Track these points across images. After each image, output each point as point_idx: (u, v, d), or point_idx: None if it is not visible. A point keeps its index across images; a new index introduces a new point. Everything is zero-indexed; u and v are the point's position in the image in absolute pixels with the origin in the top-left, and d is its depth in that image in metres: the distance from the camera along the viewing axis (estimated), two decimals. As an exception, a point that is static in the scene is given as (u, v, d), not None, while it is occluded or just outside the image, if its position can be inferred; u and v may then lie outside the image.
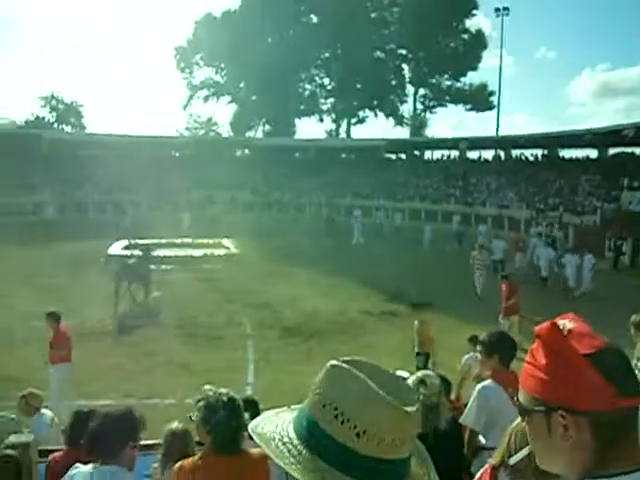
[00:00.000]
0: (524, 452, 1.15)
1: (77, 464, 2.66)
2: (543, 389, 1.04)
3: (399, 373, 3.60)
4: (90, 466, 2.57)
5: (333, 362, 0.99)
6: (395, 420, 0.92)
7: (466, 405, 4.35)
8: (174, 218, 31.08)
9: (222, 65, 58.43)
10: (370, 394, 0.92)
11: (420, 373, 3.27)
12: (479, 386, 3.58)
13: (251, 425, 1.07)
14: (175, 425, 3.27)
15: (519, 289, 12.22)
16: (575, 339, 1.03)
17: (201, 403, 2.68)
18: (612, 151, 37.63)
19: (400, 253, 22.09)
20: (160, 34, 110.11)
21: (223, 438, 2.62)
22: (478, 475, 2.31)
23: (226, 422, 2.61)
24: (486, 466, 2.27)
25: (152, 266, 15.67)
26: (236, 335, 12.27)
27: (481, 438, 3.50)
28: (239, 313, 14.10)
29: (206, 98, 60.26)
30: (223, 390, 2.75)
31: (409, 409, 0.94)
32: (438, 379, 3.30)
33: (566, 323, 1.07)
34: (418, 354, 8.56)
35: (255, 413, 4.09)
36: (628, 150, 36.46)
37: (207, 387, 2.78)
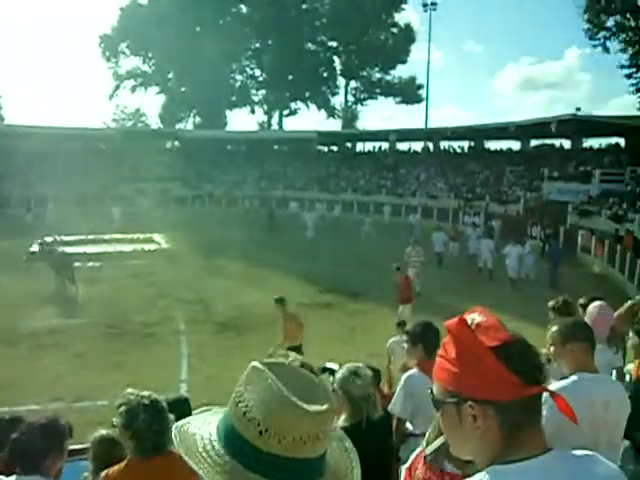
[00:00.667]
0: (440, 441, 1.21)
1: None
2: (453, 381, 1.09)
3: (328, 365, 3.65)
4: (13, 478, 2.49)
5: (253, 363, 1.02)
6: (295, 419, 0.94)
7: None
8: (102, 213, 30.07)
9: (150, 54, 56.75)
10: (274, 393, 0.95)
11: (352, 365, 3.31)
12: (405, 375, 3.68)
13: (175, 427, 1.08)
14: (101, 432, 3.14)
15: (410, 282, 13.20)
16: (482, 332, 1.08)
17: (122, 408, 2.62)
18: (534, 143, 39.37)
19: (339, 245, 22.26)
20: (84, 21, 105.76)
21: (145, 443, 2.57)
22: (411, 459, 2.40)
23: (147, 426, 2.56)
24: (418, 450, 2.36)
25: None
26: (169, 331, 12.07)
27: (409, 425, 3.60)
28: (171, 309, 13.86)
29: (133, 88, 58.42)
30: (145, 393, 2.69)
31: (313, 409, 0.95)
32: (370, 370, 3.37)
33: (475, 317, 1.12)
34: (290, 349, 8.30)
35: (187, 412, 4.05)
36: (549, 142, 38.27)
37: (129, 390, 2.73)
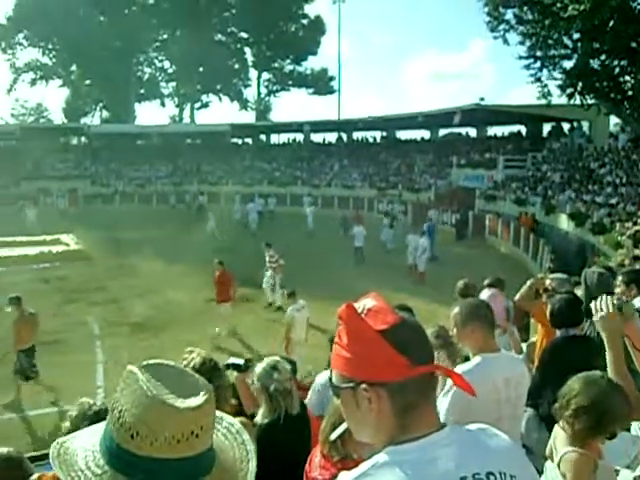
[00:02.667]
0: (342, 427, 1.24)
1: None
2: (347, 367, 1.13)
3: (232, 360, 3.61)
4: None
5: (129, 366, 1.01)
6: (165, 418, 0.92)
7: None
8: (2, 214, 28.32)
9: (50, 46, 53.74)
10: (142, 394, 0.93)
11: (271, 359, 3.31)
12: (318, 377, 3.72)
13: (55, 443, 1.04)
14: (3, 451, 2.68)
15: (233, 278, 12.10)
16: (372, 317, 1.11)
17: (71, 414, 2.47)
18: (442, 132, 40.78)
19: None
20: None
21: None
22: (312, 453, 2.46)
23: None
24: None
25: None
26: (82, 336, 11.59)
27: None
28: (83, 312, 13.31)
29: (33, 81, 55.11)
30: (92, 402, 2.53)
31: (183, 405, 0.94)
32: (288, 364, 3.37)
33: (367, 302, 1.16)
34: None
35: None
36: (456, 131, 39.76)
37: (83, 399, 2.56)
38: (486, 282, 6.46)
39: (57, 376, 8.91)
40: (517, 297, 5.22)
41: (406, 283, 15.58)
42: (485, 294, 6.09)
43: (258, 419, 3.12)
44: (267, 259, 14.66)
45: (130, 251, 20.07)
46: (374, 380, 1.09)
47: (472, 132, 38.60)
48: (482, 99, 31.56)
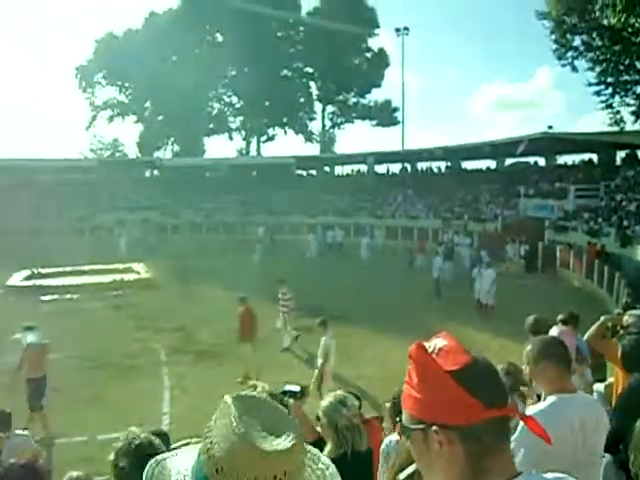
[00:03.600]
0: (411, 468, 1.19)
1: None
2: (418, 407, 1.08)
3: (288, 387, 3.56)
4: None
5: (225, 397, 1.00)
6: (250, 459, 0.91)
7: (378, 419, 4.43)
8: (81, 244, 29.77)
9: (126, 84, 56.91)
10: (232, 430, 0.92)
11: (340, 393, 3.26)
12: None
13: (154, 460, 1.06)
14: (72, 474, 2.89)
15: (255, 317, 11.37)
16: (443, 357, 1.07)
17: (116, 445, 2.53)
18: (509, 161, 40.00)
19: (326, 269, 22.21)
20: (59, 54, 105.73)
21: None
22: None
23: (132, 470, 2.41)
24: None
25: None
26: (149, 363, 11.88)
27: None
28: (152, 340, 13.67)
29: (110, 118, 58.36)
30: (139, 433, 2.56)
31: (271, 448, 0.92)
32: (357, 400, 3.31)
33: (438, 341, 1.11)
34: None
35: (166, 445, 3.95)
36: (523, 160, 38.92)
37: (132, 429, 2.60)
38: (559, 317, 6.17)
39: (126, 400, 9.15)
40: (587, 336, 4.92)
41: (472, 316, 15.17)
42: (555, 331, 5.80)
43: (324, 454, 3.06)
44: (280, 297, 13.65)
45: (197, 280, 20.57)
46: (445, 423, 1.04)
47: (541, 161, 37.68)
48: (550, 127, 30.88)
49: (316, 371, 9.01)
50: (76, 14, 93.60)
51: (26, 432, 5.84)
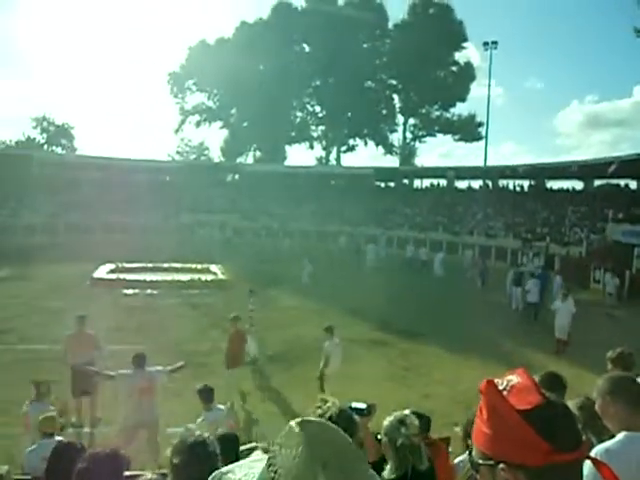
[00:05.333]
0: None
1: None
2: (487, 444, 1.08)
3: (355, 405, 3.57)
4: None
5: (291, 422, 0.99)
6: None
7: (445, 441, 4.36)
8: (163, 242, 31.02)
9: (214, 91, 59.03)
10: (300, 464, 0.91)
11: (400, 413, 3.25)
12: None
13: (215, 474, 1.10)
14: (146, 476, 2.95)
15: (245, 339, 10.61)
16: (515, 395, 1.06)
17: (174, 442, 2.66)
18: (597, 182, 38.23)
19: (399, 281, 22.04)
20: (153, 59, 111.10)
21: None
22: None
23: (184, 467, 2.53)
24: None
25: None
26: (220, 362, 12.16)
27: None
28: (223, 339, 13.99)
29: (198, 123, 60.72)
30: (197, 432, 2.69)
31: None
32: (417, 419, 3.29)
33: (512, 378, 1.11)
34: None
35: (234, 448, 4.06)
36: (613, 182, 37.09)
37: (190, 426, 2.73)
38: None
39: (194, 398, 9.40)
40: None
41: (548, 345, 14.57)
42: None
43: (385, 474, 3.07)
44: (249, 307, 13.08)
45: (271, 284, 20.92)
46: (513, 462, 1.03)
47: (632, 184, 35.73)
48: (646, 150, 29.26)
49: (317, 373, 9.46)
50: (171, 21, 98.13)
51: (225, 406, 6.80)
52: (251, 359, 11.48)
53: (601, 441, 2.86)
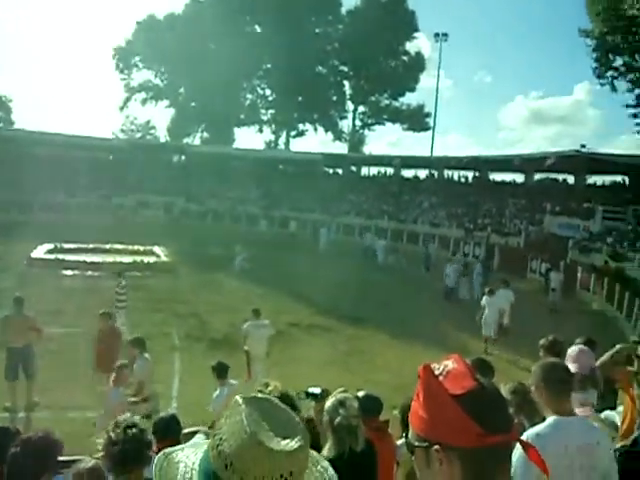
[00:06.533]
0: None
1: None
2: (422, 426, 1.13)
3: (311, 390, 3.63)
4: None
5: (236, 397, 1.06)
6: (258, 458, 0.95)
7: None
8: (102, 222, 30.20)
9: (162, 69, 57.46)
10: (242, 429, 0.97)
11: (340, 395, 3.31)
12: None
13: (163, 453, 1.11)
14: (80, 465, 2.97)
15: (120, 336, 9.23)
16: (450, 380, 1.11)
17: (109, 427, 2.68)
18: (537, 176, 39.55)
19: (339, 268, 22.14)
20: (99, 33, 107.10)
21: (118, 466, 2.64)
22: None
23: (116, 449, 2.62)
24: None
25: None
26: (164, 346, 12.01)
27: None
28: (167, 323, 13.83)
29: (144, 101, 59.01)
30: (128, 415, 2.75)
31: (278, 447, 0.96)
32: (357, 401, 3.36)
33: (448, 364, 1.15)
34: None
35: (176, 430, 4.04)
36: (552, 176, 38.46)
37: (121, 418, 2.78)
38: (578, 341, 6.12)
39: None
40: (600, 362, 4.93)
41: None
42: (574, 350, 5.76)
43: (324, 453, 3.12)
44: (116, 290, 12.44)
45: (215, 268, 20.74)
46: (446, 443, 1.08)
47: (570, 179, 37.19)
48: (583, 146, 30.44)
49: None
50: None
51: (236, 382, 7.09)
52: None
53: (533, 424, 3.01)
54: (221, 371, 6.94)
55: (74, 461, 3.32)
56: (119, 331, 9.39)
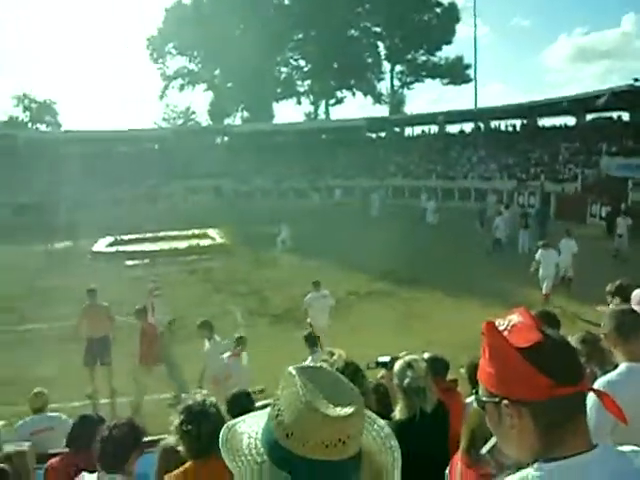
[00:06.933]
0: (492, 441, 1.24)
1: (83, 473, 2.85)
2: (490, 382, 1.13)
3: (381, 359, 3.66)
4: (95, 476, 2.75)
5: (289, 368, 1.08)
6: (316, 424, 0.98)
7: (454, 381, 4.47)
8: (153, 210, 30.94)
9: (195, 53, 57.83)
10: (298, 399, 1.01)
11: (408, 357, 3.33)
12: None
13: (225, 426, 1.15)
14: (166, 442, 3.22)
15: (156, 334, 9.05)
16: (515, 334, 1.10)
17: (179, 410, 2.77)
18: (589, 117, 37.89)
19: (393, 232, 21.95)
20: (131, 25, 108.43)
21: (194, 445, 2.70)
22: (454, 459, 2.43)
23: (197, 431, 2.66)
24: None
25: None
26: (227, 325, 12.30)
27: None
28: (228, 302, 14.15)
29: (181, 87, 59.70)
30: (199, 398, 2.81)
31: (335, 413, 0.99)
32: (424, 362, 3.37)
33: (513, 318, 1.14)
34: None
35: (249, 404, 4.17)
36: (605, 115, 36.72)
37: (194, 393, 2.86)
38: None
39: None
40: None
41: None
42: (638, 293, 5.57)
43: (395, 415, 3.17)
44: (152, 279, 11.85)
45: (268, 245, 20.98)
46: (515, 397, 1.08)
47: (625, 116, 35.42)
48: (637, 80, 28.86)
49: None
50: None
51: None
52: (167, 324, 9.90)
53: (605, 372, 2.95)
54: (312, 340, 7.56)
55: (157, 440, 3.51)
56: (155, 327, 9.24)
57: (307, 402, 1.00)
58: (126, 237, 23.64)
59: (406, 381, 3.09)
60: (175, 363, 8.98)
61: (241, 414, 1.22)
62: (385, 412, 3.18)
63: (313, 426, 0.98)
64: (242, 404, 4.02)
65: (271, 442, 1.03)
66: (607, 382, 2.59)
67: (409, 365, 3.18)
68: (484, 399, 1.15)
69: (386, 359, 3.59)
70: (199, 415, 2.70)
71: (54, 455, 3.97)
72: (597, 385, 2.76)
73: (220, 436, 1.12)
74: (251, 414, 1.19)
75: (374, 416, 1.19)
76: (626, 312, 2.91)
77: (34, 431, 5.05)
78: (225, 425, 1.15)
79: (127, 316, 10.82)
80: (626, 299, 4.51)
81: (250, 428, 1.12)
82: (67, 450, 3.80)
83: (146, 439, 3.48)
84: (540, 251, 13.07)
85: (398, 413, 3.15)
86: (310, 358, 7.14)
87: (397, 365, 3.24)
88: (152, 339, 8.76)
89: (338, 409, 1.00)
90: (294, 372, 1.05)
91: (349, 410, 1.00)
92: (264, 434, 1.06)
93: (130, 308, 10.92)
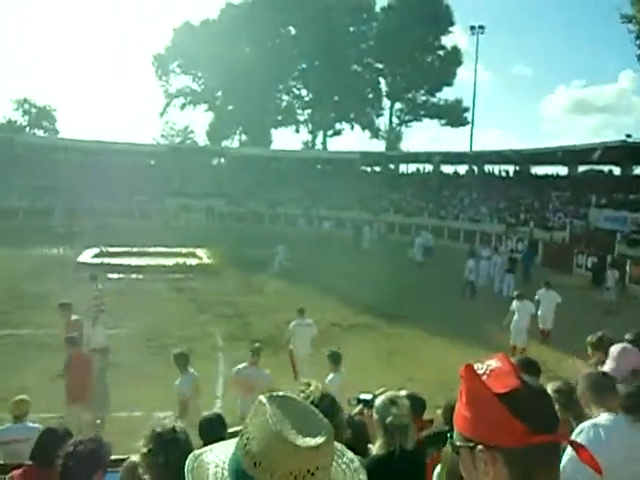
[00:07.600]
0: None
1: None
2: (466, 426, 1.12)
3: (362, 396, 3.65)
4: None
5: (259, 397, 1.08)
6: (285, 454, 0.97)
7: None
8: (146, 226, 30.81)
9: (199, 74, 58.36)
10: (268, 428, 0.99)
11: (390, 393, 3.31)
12: None
13: (192, 455, 1.13)
14: (130, 461, 3.00)
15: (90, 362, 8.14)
16: (493, 379, 1.09)
17: (149, 435, 2.62)
18: (582, 168, 38.48)
19: (381, 267, 22.00)
20: (138, 41, 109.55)
21: (162, 475, 2.52)
22: None
23: (153, 456, 2.53)
24: None
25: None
26: (207, 347, 12.20)
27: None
28: (210, 324, 14.04)
29: (183, 106, 60.03)
30: (170, 424, 2.65)
31: (304, 444, 0.98)
32: (408, 400, 3.35)
33: (492, 363, 1.14)
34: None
35: (222, 429, 4.10)
36: (597, 168, 37.33)
37: (158, 415, 2.78)
38: (627, 337, 5.92)
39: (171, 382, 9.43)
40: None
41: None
42: (616, 348, 5.57)
43: (374, 450, 3.14)
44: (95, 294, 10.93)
45: (256, 269, 20.92)
46: (490, 443, 1.07)
47: (616, 170, 36.04)
48: (629, 136, 29.47)
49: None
50: (156, 2, 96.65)
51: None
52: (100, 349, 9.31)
53: (580, 423, 2.96)
54: (336, 358, 7.51)
55: (122, 460, 3.43)
56: (89, 357, 8.36)
57: (276, 431, 0.98)
58: (112, 249, 23.46)
59: (389, 418, 3.07)
60: (106, 384, 8.58)
61: (212, 440, 1.20)
62: (360, 446, 3.15)
63: (282, 456, 0.97)
64: (214, 429, 3.96)
65: (238, 472, 1.01)
66: (592, 424, 2.71)
67: (393, 402, 3.16)
68: (458, 444, 1.13)
69: (368, 397, 3.57)
70: (168, 443, 2.55)
71: (18, 467, 3.87)
72: (580, 427, 2.79)
73: (186, 464, 1.10)
74: (219, 443, 1.17)
75: (344, 448, 1.18)
76: (599, 375, 3.04)
77: (9, 440, 4.93)
78: (192, 454, 1.14)
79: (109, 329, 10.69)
80: (606, 353, 4.53)
81: (217, 458, 1.10)
82: (31, 463, 3.71)
83: (112, 457, 3.41)
84: (515, 302, 12.50)
85: (377, 449, 3.13)
86: (332, 375, 7.26)
87: (379, 401, 3.22)
88: (83, 371, 7.67)
89: (307, 439, 0.99)
90: (264, 401, 1.04)
91: (319, 440, 0.99)
92: (231, 463, 1.05)
93: (111, 320, 10.78)
